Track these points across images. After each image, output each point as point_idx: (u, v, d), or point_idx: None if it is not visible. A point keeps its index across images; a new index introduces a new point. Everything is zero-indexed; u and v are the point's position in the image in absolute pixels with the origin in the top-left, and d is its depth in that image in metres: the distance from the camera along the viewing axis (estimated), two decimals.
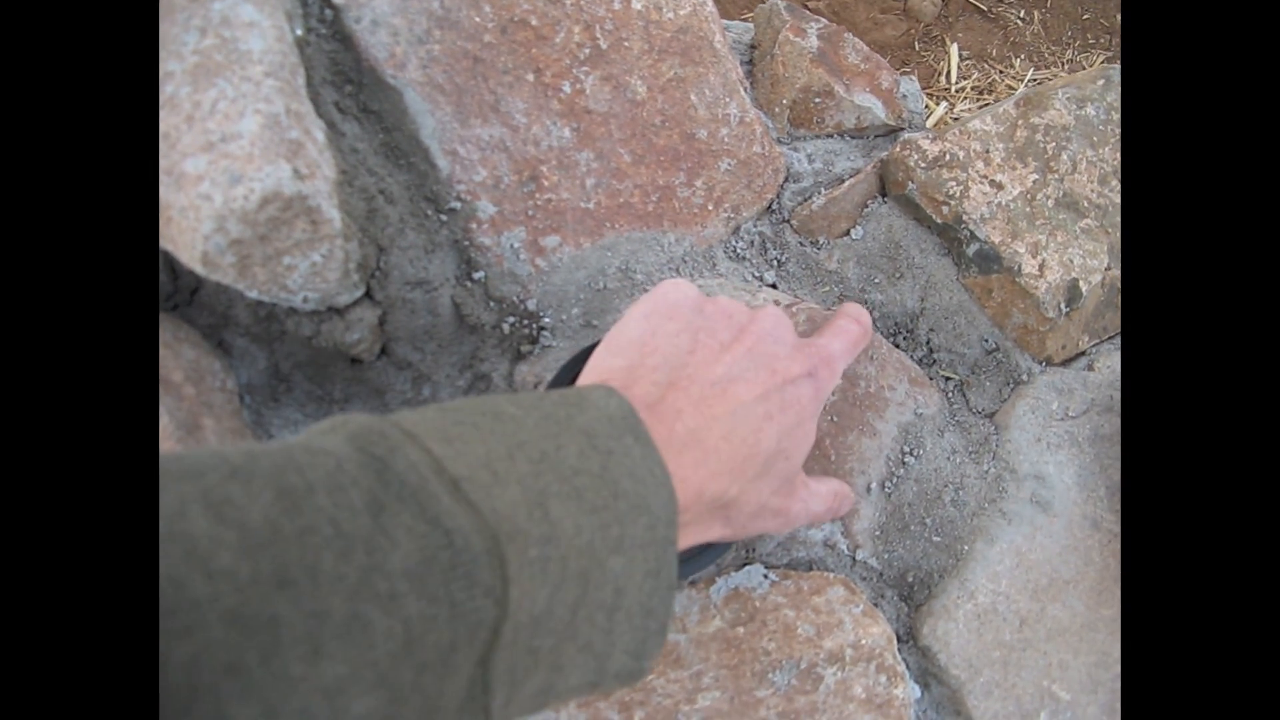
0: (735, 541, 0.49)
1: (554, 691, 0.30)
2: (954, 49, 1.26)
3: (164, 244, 0.52)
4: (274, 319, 0.57)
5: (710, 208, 0.61)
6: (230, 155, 0.49)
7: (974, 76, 1.25)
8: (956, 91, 1.23)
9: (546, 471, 0.29)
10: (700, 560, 0.46)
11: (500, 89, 0.57)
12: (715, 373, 0.38)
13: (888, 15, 1.34)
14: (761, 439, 0.37)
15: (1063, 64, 1.31)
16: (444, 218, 0.57)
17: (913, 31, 1.34)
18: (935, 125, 0.78)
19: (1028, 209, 0.60)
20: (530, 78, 0.57)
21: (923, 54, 1.34)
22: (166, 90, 0.50)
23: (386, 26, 0.55)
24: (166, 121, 0.50)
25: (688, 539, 0.38)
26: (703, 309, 0.41)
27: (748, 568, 0.54)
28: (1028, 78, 1.28)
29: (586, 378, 0.41)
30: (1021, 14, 1.36)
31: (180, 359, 0.54)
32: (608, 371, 0.39)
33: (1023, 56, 1.31)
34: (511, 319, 0.57)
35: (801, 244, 0.64)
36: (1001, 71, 1.30)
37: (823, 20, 0.66)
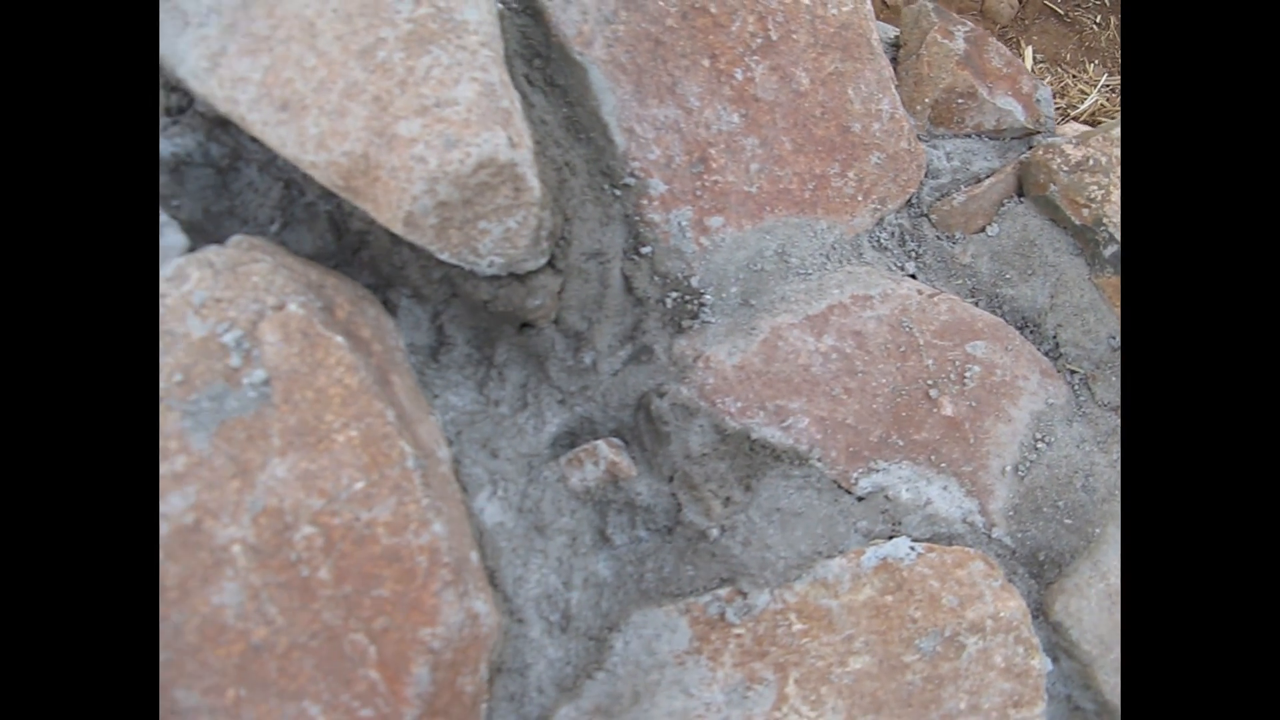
0: None
1: None
2: (1028, 52, 1.29)
3: (359, 202, 0.54)
4: (448, 281, 0.59)
5: (860, 198, 0.64)
6: (446, 120, 0.51)
7: (1047, 80, 1.28)
8: None
9: None
10: None
11: (678, 72, 0.59)
12: None
13: (964, 16, 1.35)
14: None
15: None
16: (618, 192, 0.59)
17: (988, 33, 1.36)
18: None
19: None
20: (706, 63, 0.60)
21: None
22: (379, 55, 0.52)
23: (577, 4, 0.57)
24: (378, 85, 0.52)
25: None
26: None
27: (895, 540, 0.57)
28: (1100, 83, 1.31)
29: None
30: (1097, 19, 1.39)
31: (365, 316, 0.57)
32: None
33: (1096, 61, 1.34)
34: (674, 294, 0.60)
35: (938, 238, 0.66)
36: (1075, 76, 1.34)
37: (969, 23, 0.69)
